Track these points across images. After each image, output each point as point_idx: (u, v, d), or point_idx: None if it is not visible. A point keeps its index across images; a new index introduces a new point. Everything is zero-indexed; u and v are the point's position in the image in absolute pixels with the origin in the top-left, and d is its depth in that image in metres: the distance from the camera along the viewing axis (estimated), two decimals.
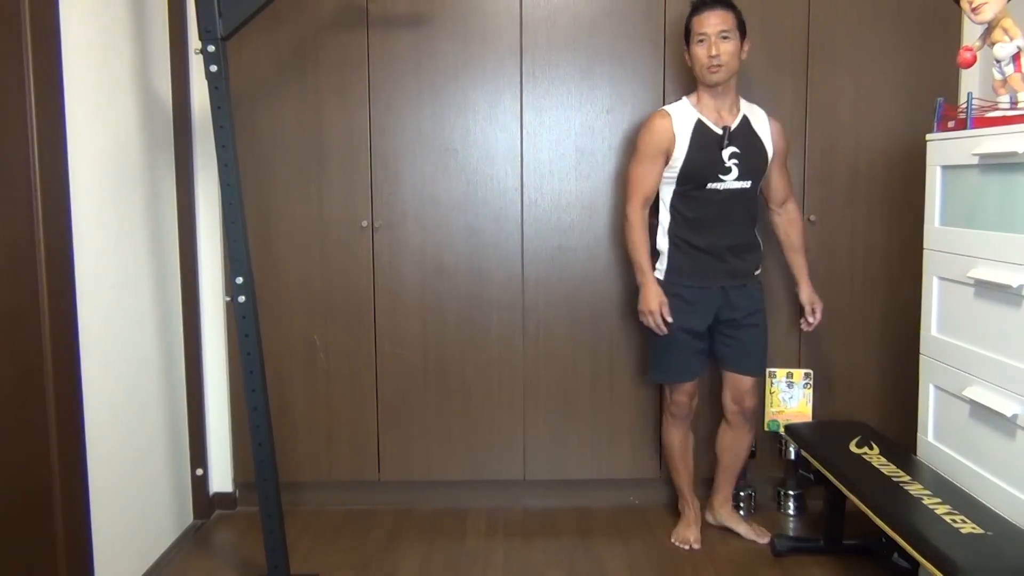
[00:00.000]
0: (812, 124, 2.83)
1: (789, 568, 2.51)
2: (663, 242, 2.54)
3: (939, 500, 2.05)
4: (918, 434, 2.43)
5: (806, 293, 2.68)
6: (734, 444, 2.70)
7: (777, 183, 2.63)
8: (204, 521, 2.86)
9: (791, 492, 2.90)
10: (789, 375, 2.88)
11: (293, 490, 2.90)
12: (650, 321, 2.51)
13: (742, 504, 2.89)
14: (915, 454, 2.43)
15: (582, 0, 2.78)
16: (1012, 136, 1.98)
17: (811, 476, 2.54)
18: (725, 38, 2.41)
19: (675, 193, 2.50)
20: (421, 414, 2.88)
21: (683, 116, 2.49)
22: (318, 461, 2.91)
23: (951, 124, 2.30)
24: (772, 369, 2.88)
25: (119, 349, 2.30)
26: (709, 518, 2.80)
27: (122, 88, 2.33)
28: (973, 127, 2.19)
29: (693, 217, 2.50)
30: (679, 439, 2.69)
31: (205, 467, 2.87)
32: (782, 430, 2.85)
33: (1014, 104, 2.11)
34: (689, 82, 2.80)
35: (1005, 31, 2.10)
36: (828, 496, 2.52)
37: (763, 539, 2.69)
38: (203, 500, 2.86)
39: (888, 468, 2.28)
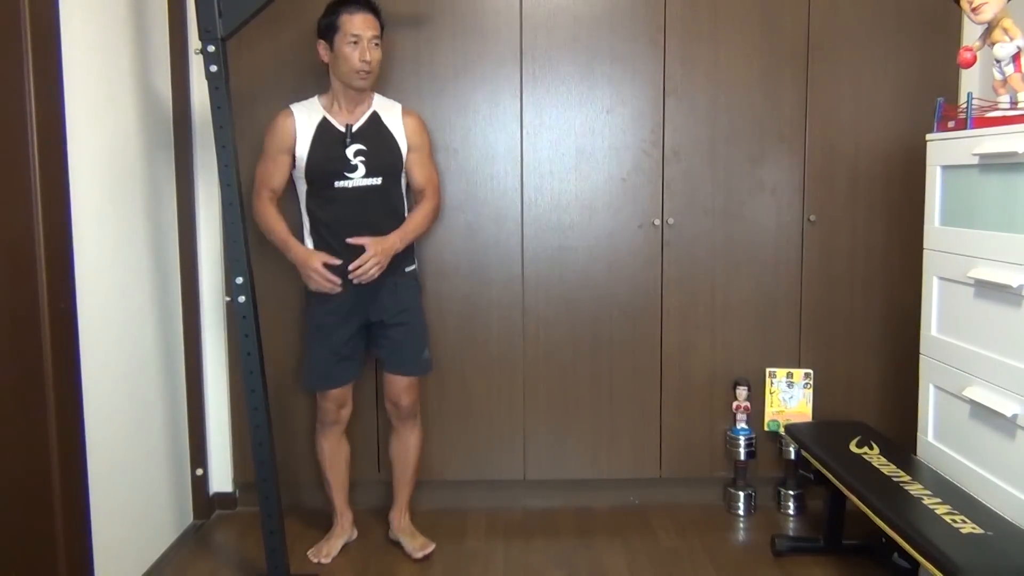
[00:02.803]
0: (812, 124, 2.83)
1: (789, 568, 2.51)
2: (308, 244, 2.49)
3: (939, 500, 2.05)
4: (918, 434, 2.43)
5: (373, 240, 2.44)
6: (399, 448, 2.67)
7: (415, 177, 2.56)
8: (204, 521, 2.86)
9: (791, 492, 2.90)
10: (789, 375, 2.88)
11: (293, 490, 2.90)
12: (321, 281, 2.39)
13: (742, 504, 2.89)
14: (915, 454, 2.43)
15: (582, 0, 2.78)
16: (1012, 136, 1.98)
17: (811, 476, 2.54)
18: (376, 45, 2.40)
19: (307, 193, 2.47)
20: (421, 414, 2.88)
21: (308, 115, 2.44)
22: (318, 461, 2.90)
23: (951, 124, 2.30)
24: (772, 369, 2.89)
25: (119, 349, 2.30)
26: (390, 534, 2.71)
27: (122, 88, 2.33)
28: (973, 127, 2.19)
29: (328, 218, 2.44)
30: (329, 448, 2.62)
31: (205, 467, 2.87)
32: (782, 430, 2.85)
33: (1014, 104, 2.11)
34: (692, 80, 2.81)
35: (1005, 31, 2.10)
36: (828, 496, 2.52)
37: (419, 552, 2.57)
38: (203, 500, 2.86)
39: (888, 468, 2.28)
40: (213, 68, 2.16)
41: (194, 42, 2.63)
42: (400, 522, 2.70)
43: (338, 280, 2.40)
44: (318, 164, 2.42)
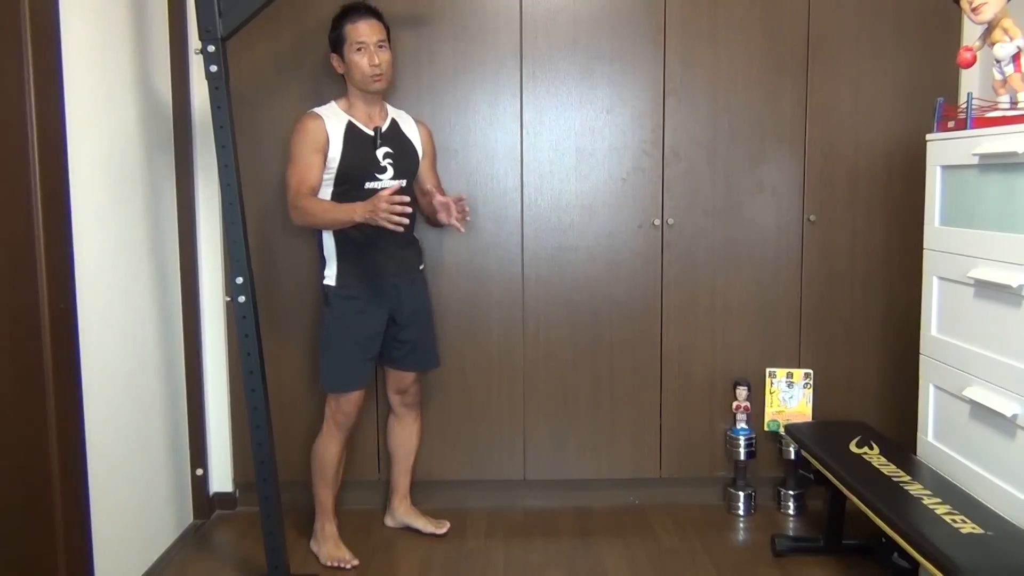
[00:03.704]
0: (812, 124, 2.83)
1: (789, 568, 2.51)
2: (329, 247, 2.48)
3: (939, 500, 2.05)
4: (918, 434, 2.43)
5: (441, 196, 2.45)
6: (404, 435, 2.75)
7: (427, 180, 2.64)
8: (204, 521, 2.86)
9: (791, 492, 2.90)
10: (789, 375, 2.88)
11: (293, 490, 2.90)
12: (392, 209, 2.18)
13: (742, 504, 2.89)
14: (915, 454, 2.43)
15: (582, 0, 2.78)
16: (1012, 136, 1.98)
17: (811, 476, 2.54)
18: (382, 48, 2.44)
19: (333, 195, 2.45)
20: (421, 413, 2.88)
21: (334, 118, 2.45)
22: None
23: (951, 124, 2.30)
24: (772, 369, 2.89)
25: (119, 349, 2.30)
26: (388, 521, 2.80)
27: (122, 88, 2.33)
28: (973, 127, 2.19)
29: None
30: (336, 452, 2.59)
31: (205, 467, 2.87)
32: (782, 430, 2.85)
33: (1014, 104, 2.11)
34: (692, 80, 2.81)
35: (1005, 31, 2.10)
36: (828, 496, 2.52)
37: (441, 529, 2.73)
38: (203, 500, 2.86)
39: (888, 468, 2.28)
40: (213, 68, 2.16)
41: (194, 42, 2.63)
42: (407, 508, 2.78)
43: (407, 199, 2.22)
44: (351, 166, 2.44)
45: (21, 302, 1.86)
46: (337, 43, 2.46)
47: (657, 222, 2.85)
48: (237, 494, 2.98)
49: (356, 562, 2.54)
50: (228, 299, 2.83)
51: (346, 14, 2.45)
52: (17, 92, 1.84)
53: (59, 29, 1.95)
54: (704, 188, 2.85)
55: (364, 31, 2.42)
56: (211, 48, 2.16)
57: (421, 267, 2.67)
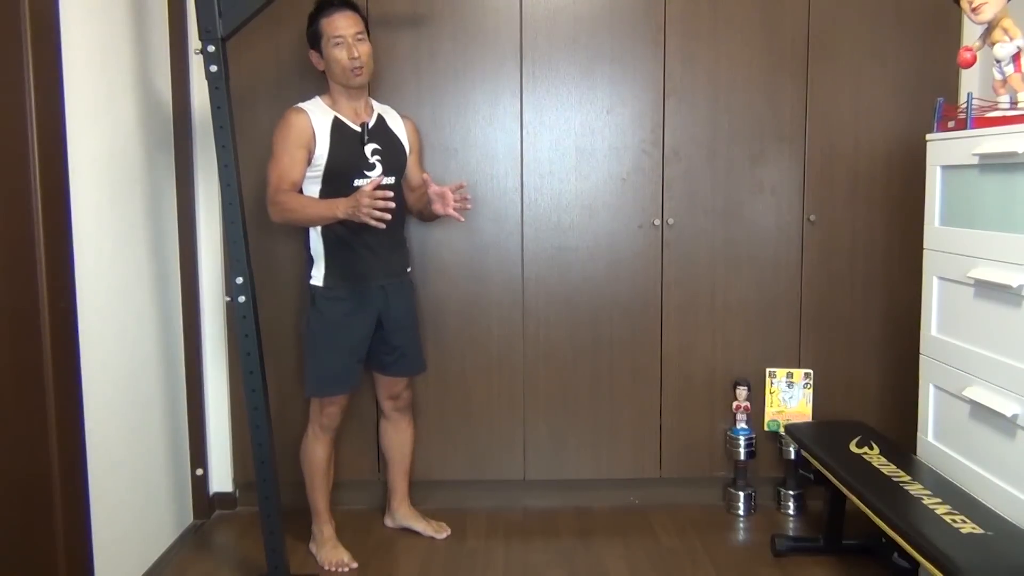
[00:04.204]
0: (812, 124, 2.83)
1: (789, 568, 2.51)
2: (317, 246, 2.45)
3: (939, 500, 2.05)
4: (918, 434, 2.43)
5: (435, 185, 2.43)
6: (399, 438, 2.74)
7: (414, 176, 2.62)
8: (204, 521, 2.86)
9: (791, 492, 2.90)
10: (789, 375, 2.88)
11: (293, 490, 2.90)
12: (375, 203, 2.14)
13: (742, 504, 2.89)
14: (915, 454, 2.43)
15: (582, 0, 2.78)
16: (1012, 136, 1.98)
17: (811, 476, 2.54)
18: (361, 40, 2.40)
19: (321, 193, 2.40)
20: (421, 414, 2.88)
21: (320, 113, 2.41)
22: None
23: (951, 124, 2.30)
24: (772, 369, 2.89)
25: (119, 349, 2.30)
26: (388, 522, 2.80)
27: (122, 88, 2.33)
28: (973, 127, 2.19)
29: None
30: (325, 454, 2.58)
31: (205, 467, 2.87)
32: (782, 430, 2.85)
33: (1014, 104, 2.11)
34: (692, 80, 2.81)
35: (1005, 31, 2.10)
36: (828, 496, 2.52)
37: (441, 534, 2.73)
38: (203, 500, 2.86)
39: (888, 468, 2.28)
40: (213, 68, 2.16)
41: (194, 42, 2.62)
42: (407, 510, 2.77)
43: (390, 193, 2.19)
44: (340, 162, 2.40)
45: (21, 302, 1.86)
46: (315, 39, 2.42)
47: (657, 222, 2.85)
48: (237, 494, 2.98)
49: (355, 564, 2.54)
50: (228, 299, 2.83)
51: (321, 9, 2.41)
52: (17, 92, 1.84)
53: (59, 29, 1.95)
54: (704, 188, 2.85)
55: (340, 24, 2.38)
56: (211, 48, 2.16)
57: (408, 270, 2.63)
